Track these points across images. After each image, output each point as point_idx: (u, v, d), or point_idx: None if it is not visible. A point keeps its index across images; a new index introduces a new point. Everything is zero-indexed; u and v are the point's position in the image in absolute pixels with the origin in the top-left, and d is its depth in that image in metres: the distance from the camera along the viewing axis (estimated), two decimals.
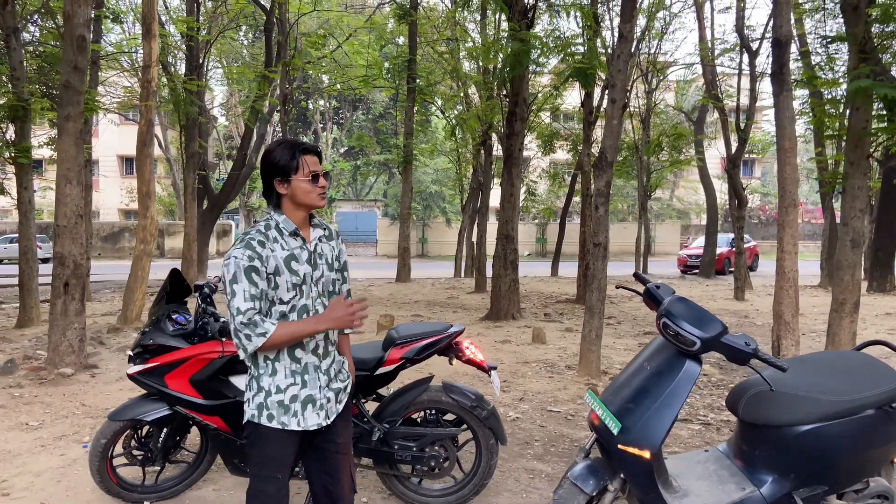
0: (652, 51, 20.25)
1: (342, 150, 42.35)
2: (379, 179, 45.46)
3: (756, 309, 13.55)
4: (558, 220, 22.85)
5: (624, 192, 33.62)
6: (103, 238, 32.85)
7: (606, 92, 8.53)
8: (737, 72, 15.97)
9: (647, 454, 2.74)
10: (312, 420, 2.48)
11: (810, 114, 15.02)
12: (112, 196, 40.43)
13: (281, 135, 41.40)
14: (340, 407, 2.62)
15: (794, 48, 14.58)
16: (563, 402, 5.89)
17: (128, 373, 3.61)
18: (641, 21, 16.59)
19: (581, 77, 10.21)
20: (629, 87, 17.33)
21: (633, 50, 6.17)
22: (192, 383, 3.50)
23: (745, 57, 14.68)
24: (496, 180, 18.54)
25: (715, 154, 28.99)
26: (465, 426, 3.69)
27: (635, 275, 3.21)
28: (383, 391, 3.86)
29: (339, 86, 25.08)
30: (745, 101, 15.32)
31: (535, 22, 11.61)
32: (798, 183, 4.82)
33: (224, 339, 3.47)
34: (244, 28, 24.20)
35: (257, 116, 18.66)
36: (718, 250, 23.48)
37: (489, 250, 16.69)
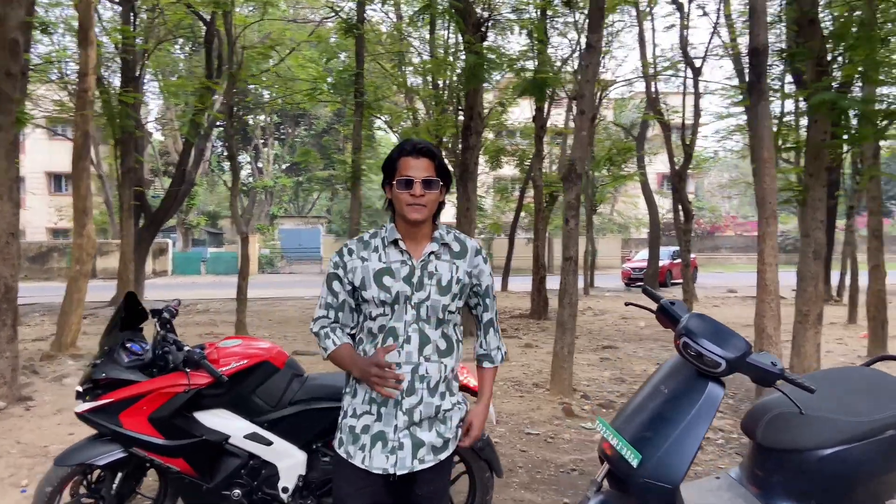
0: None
1: (284, 167, 41.54)
2: (322, 196, 44.78)
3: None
4: (505, 235, 22.83)
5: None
6: (31, 258, 31.14)
7: (574, 104, 8.45)
8: (676, 90, 16.36)
9: (669, 487, 2.52)
10: (379, 462, 2.14)
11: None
12: (40, 214, 38.46)
13: (222, 150, 40.37)
14: (418, 466, 2.17)
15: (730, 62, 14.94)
16: (539, 423, 5.67)
17: (76, 411, 3.19)
18: (583, 38, 16.81)
19: (536, 90, 10.15)
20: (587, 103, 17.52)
21: (600, 60, 6.09)
22: (151, 422, 3.11)
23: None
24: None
25: (653, 170, 29.61)
26: (457, 459, 3.41)
27: (645, 290, 3.00)
28: None
29: (280, 101, 24.50)
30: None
31: (486, 36, 11.51)
32: (776, 193, 4.76)
33: (189, 370, 3.10)
34: (181, 40, 23.43)
35: (197, 131, 17.99)
36: (661, 263, 23.90)
37: None
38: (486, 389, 2.42)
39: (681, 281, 23.67)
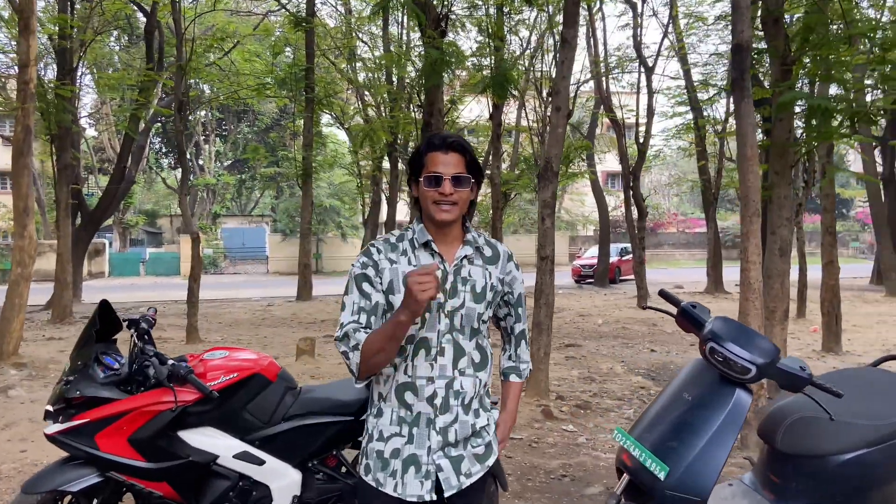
0: (547, 67, 20.64)
1: (227, 164, 40.45)
2: (265, 194, 43.82)
3: (661, 316, 13.86)
4: None
5: (515, 205, 34.19)
6: None
7: (549, 100, 8.35)
8: (624, 89, 16.58)
9: (698, 500, 2.40)
10: (413, 489, 1.93)
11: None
12: None
13: (160, 147, 39.00)
14: (465, 481, 1.99)
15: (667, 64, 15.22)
16: (521, 427, 5.54)
17: (47, 433, 2.87)
18: (533, 38, 16.83)
19: (498, 87, 10.04)
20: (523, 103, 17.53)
21: (574, 56, 5.98)
22: (131, 443, 2.82)
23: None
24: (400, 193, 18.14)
25: (600, 168, 30.02)
26: None
27: (661, 293, 2.88)
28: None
29: (221, 96, 23.77)
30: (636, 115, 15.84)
31: (447, 32, 11.35)
32: (759, 191, 4.76)
33: (175, 386, 2.82)
34: (115, 32, 22.44)
35: (138, 126, 17.26)
36: (609, 260, 24.22)
37: None
38: (512, 401, 2.25)
39: (630, 277, 24.11)
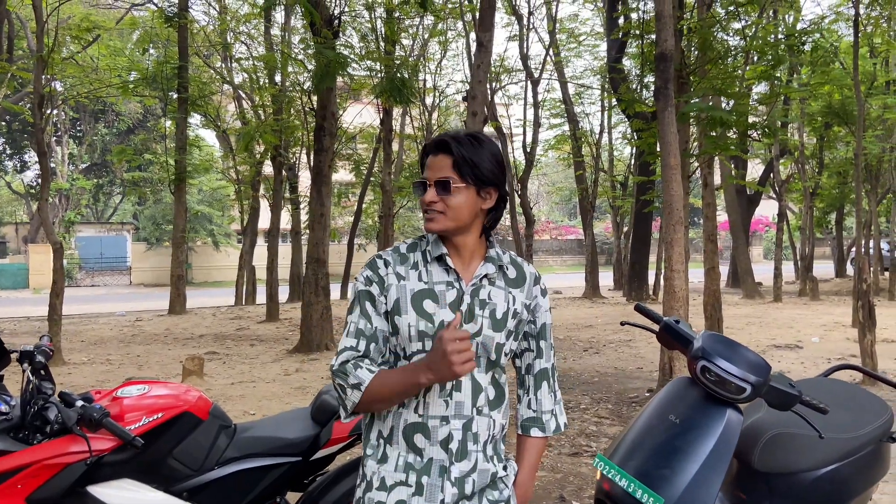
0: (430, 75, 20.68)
1: (82, 167, 37.32)
2: (126, 200, 40.88)
3: (559, 323, 14.12)
4: (343, 241, 22.27)
5: (401, 214, 34.12)
6: None
7: (465, 104, 8.19)
8: (503, 100, 16.91)
9: None
10: None
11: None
12: None
13: (3, 147, 35.30)
14: None
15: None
16: None
17: None
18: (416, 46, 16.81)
19: (395, 92, 9.81)
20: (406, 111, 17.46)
21: (491, 61, 5.87)
22: (31, 503, 2.30)
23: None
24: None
25: None
26: None
27: (638, 307, 2.73)
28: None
29: (78, 94, 21.83)
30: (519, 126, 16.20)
31: (339, 33, 10.97)
32: (682, 199, 4.82)
33: (84, 431, 2.32)
34: None
35: None
36: None
37: (281, 274, 15.54)
38: (531, 461, 1.88)
39: None
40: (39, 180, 35.73)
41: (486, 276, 1.73)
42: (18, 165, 37.41)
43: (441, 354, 1.50)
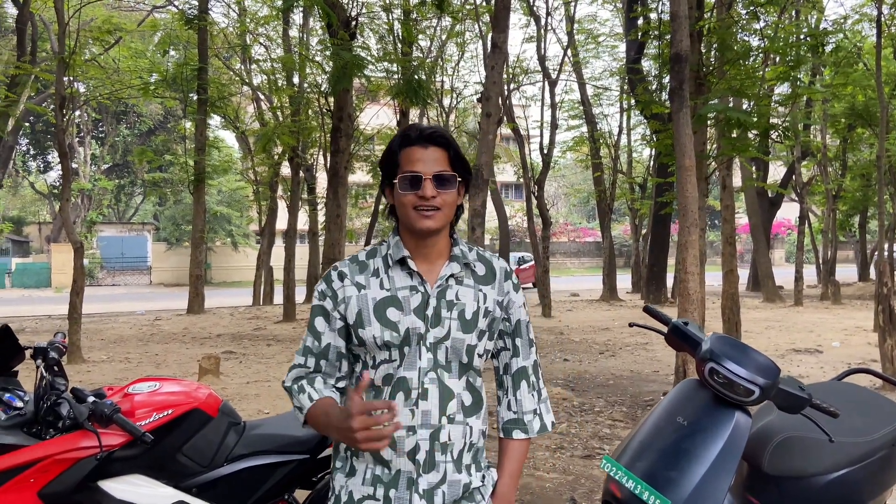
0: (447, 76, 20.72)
1: (104, 168, 37.83)
2: (147, 201, 41.38)
3: (566, 325, 14.07)
4: (360, 242, 22.33)
5: None
6: None
7: (480, 106, 8.20)
8: (521, 101, 16.87)
9: None
10: None
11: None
12: None
13: (28, 148, 35.89)
14: None
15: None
16: None
17: None
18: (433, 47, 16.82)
19: (412, 93, 9.82)
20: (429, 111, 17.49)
21: (506, 61, 5.87)
22: (43, 498, 2.32)
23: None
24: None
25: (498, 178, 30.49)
26: None
27: (646, 309, 2.71)
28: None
29: (100, 95, 22.12)
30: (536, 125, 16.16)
31: (356, 35, 11.03)
32: (697, 201, 4.78)
33: (95, 426, 2.35)
34: None
35: (7, 124, 15.70)
36: None
37: (298, 275, 15.63)
38: (512, 466, 1.77)
39: (528, 286, 24.55)
40: (61, 181, 36.39)
41: (452, 275, 1.66)
42: (42, 166, 38.01)
43: (346, 429, 1.43)
